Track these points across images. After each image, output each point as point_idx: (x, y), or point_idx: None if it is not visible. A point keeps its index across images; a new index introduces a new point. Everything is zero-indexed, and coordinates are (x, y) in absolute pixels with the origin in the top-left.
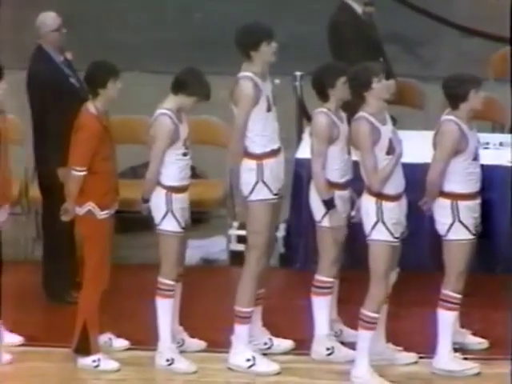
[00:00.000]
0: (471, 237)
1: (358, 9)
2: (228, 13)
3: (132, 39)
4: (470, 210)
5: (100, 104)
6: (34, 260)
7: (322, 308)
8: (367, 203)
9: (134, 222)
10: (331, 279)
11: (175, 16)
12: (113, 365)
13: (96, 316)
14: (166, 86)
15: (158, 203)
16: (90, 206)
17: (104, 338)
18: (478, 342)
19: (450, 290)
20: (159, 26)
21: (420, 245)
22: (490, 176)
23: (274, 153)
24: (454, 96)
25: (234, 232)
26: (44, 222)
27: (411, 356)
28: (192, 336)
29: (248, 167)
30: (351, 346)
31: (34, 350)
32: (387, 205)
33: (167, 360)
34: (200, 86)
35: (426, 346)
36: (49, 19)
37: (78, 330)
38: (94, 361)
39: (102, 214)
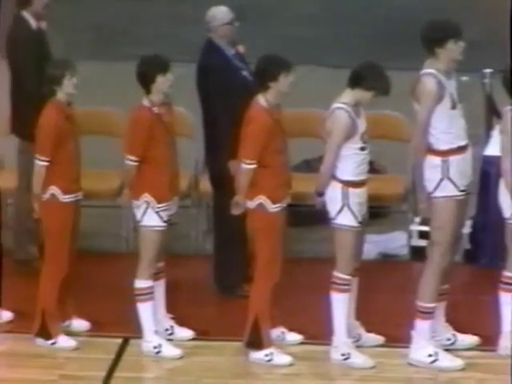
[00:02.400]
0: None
1: None
2: (412, 7)
3: (307, 33)
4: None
5: (271, 97)
6: (205, 253)
7: (509, 304)
8: None
9: (307, 215)
10: None
11: (355, 10)
12: (285, 359)
13: (268, 310)
14: (341, 80)
15: (333, 197)
16: (261, 199)
17: (277, 331)
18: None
19: None
20: (336, 20)
21: None
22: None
23: (460, 149)
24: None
25: (416, 227)
26: (215, 215)
27: None
28: (369, 331)
29: (432, 164)
30: None
31: (206, 344)
32: None
33: (343, 354)
34: (379, 80)
35: None
36: (220, 13)
37: (250, 324)
38: (267, 355)
39: (274, 208)
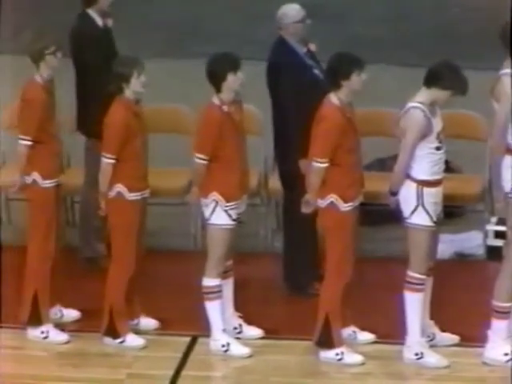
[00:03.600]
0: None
1: None
2: (483, 7)
3: (377, 32)
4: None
5: (343, 95)
6: (274, 252)
7: None
8: None
9: (379, 214)
10: None
11: (425, 9)
12: (357, 358)
13: (338, 309)
14: (412, 79)
15: (408, 197)
16: (332, 198)
17: (348, 331)
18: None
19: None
20: (405, 19)
21: None
22: None
23: None
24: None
25: (492, 227)
26: (285, 213)
27: None
28: (443, 330)
29: (510, 163)
30: None
31: (275, 342)
32: None
33: (416, 354)
34: (456, 79)
35: None
36: (292, 11)
37: (320, 323)
38: (337, 354)
39: (346, 207)
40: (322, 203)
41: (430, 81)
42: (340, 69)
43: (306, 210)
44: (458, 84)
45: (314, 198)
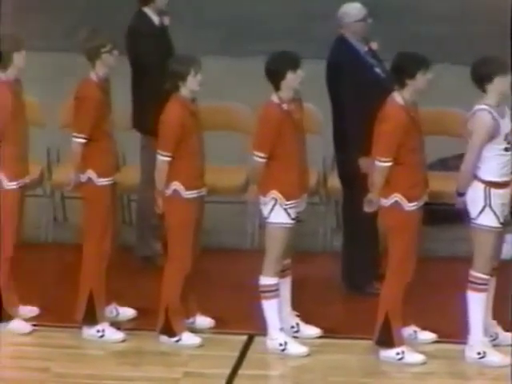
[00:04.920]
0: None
1: None
2: None
3: (440, 31)
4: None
5: (407, 95)
6: (333, 251)
7: None
8: None
9: (442, 214)
10: None
11: (492, 9)
12: (418, 357)
13: (399, 308)
14: None
15: (475, 198)
16: (396, 197)
17: (409, 330)
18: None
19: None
20: (469, 18)
21: None
22: None
23: None
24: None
25: None
26: (345, 212)
27: None
28: (507, 330)
29: None
30: None
31: (333, 342)
32: None
33: (478, 353)
34: (495, 63)
35: None
36: (353, 10)
37: (380, 322)
38: (398, 353)
39: (410, 206)
40: (386, 202)
41: (481, 83)
42: (405, 68)
43: (368, 209)
44: (499, 65)
45: (377, 198)
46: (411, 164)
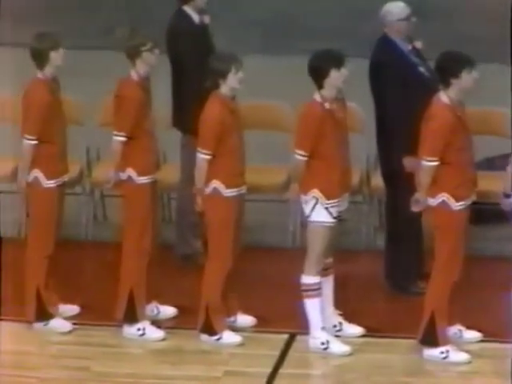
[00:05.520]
0: None
1: None
2: None
3: (487, 31)
4: None
5: (453, 94)
6: (376, 249)
7: None
8: None
9: (489, 213)
10: None
11: None
12: (462, 356)
13: (445, 307)
14: None
15: None
16: (444, 197)
17: (454, 329)
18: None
19: None
20: None
21: None
22: None
23: None
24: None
25: None
26: (388, 210)
27: None
28: None
29: None
30: None
31: (376, 341)
32: None
33: None
34: None
35: None
36: (396, 8)
37: (426, 321)
38: (442, 352)
39: (457, 206)
40: (433, 202)
41: None
42: (450, 67)
43: (416, 208)
44: None
45: (424, 197)
46: (458, 163)
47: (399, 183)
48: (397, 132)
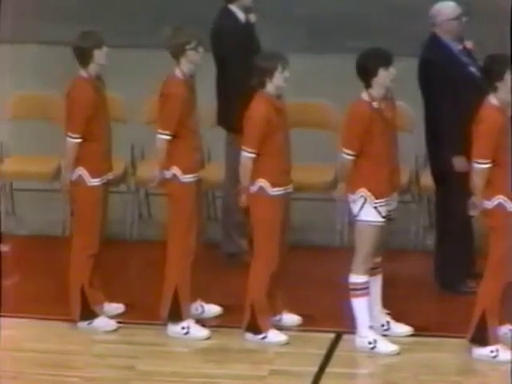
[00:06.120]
0: None
1: None
2: None
3: None
4: None
5: (503, 95)
6: (425, 249)
7: None
8: None
9: None
10: None
11: None
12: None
13: (497, 307)
14: None
15: None
16: (500, 198)
17: (504, 329)
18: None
19: None
20: None
21: None
22: None
23: None
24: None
25: None
26: (438, 210)
27: None
28: None
29: None
30: None
31: (425, 340)
32: None
33: None
34: None
35: None
36: (447, 8)
37: (476, 320)
38: (492, 351)
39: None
40: (489, 204)
41: None
42: (494, 70)
43: (473, 212)
44: None
45: (480, 200)
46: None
47: (449, 183)
48: (447, 131)
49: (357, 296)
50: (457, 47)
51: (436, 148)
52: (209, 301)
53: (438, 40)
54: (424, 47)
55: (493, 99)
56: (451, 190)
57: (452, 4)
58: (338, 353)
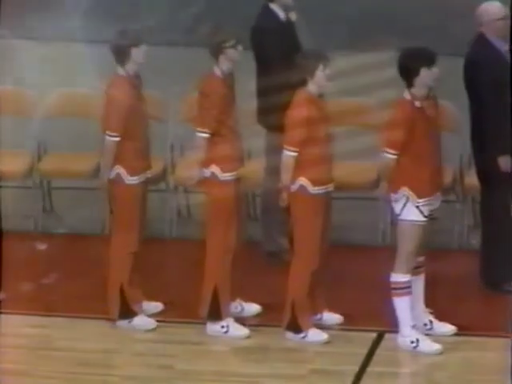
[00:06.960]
0: None
1: None
2: None
3: None
4: None
5: None
6: (470, 249)
7: None
8: None
9: None
10: None
11: None
12: None
13: None
14: None
15: None
16: None
17: None
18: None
19: None
20: None
21: None
22: None
23: None
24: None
25: None
26: (483, 210)
27: None
28: None
29: None
30: None
31: (468, 339)
32: None
33: None
34: None
35: None
36: (493, 8)
37: None
38: None
39: None
40: None
41: None
42: None
43: None
44: None
45: None
46: None
47: (495, 182)
48: (492, 131)
49: (399, 295)
50: (503, 47)
51: (481, 148)
52: (248, 299)
53: (484, 40)
54: (470, 47)
55: None
56: (497, 190)
57: (498, 4)
58: (379, 352)
